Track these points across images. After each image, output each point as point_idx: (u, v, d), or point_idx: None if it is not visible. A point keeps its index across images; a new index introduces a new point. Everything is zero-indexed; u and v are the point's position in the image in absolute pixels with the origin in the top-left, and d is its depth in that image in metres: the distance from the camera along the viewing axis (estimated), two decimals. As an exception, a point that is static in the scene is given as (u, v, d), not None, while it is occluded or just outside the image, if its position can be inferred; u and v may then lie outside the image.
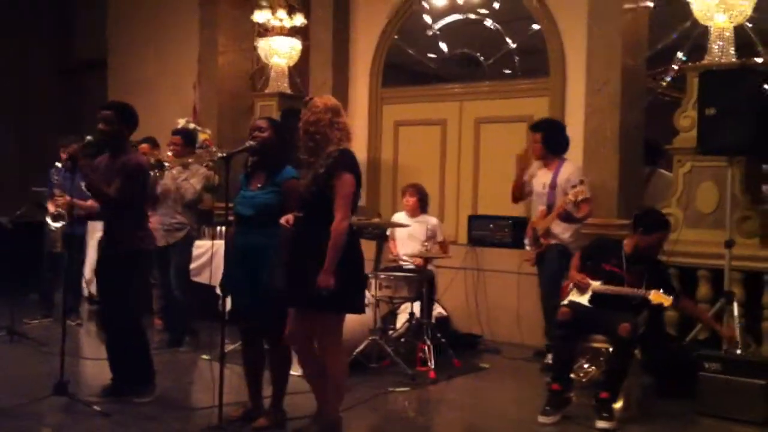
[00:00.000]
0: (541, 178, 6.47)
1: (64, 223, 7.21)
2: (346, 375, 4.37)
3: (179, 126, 8.18)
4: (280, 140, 4.51)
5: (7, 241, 8.05)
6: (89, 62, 11.60)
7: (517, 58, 8.03)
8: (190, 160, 6.71)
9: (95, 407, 4.79)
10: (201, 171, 6.80)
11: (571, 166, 6.40)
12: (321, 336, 4.24)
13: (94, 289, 8.27)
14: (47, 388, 4.95)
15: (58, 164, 7.47)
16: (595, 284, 5.25)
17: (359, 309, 4.36)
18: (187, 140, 6.93)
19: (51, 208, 7.35)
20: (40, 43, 11.67)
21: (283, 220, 4.28)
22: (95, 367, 6.02)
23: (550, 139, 6.43)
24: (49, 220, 7.30)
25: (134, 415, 4.85)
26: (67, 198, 7.27)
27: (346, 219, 4.10)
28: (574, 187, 6.04)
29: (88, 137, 5.17)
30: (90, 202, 7.50)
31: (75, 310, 7.83)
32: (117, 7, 11.03)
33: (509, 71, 8.12)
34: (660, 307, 5.20)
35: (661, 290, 5.01)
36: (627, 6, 6.95)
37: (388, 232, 6.94)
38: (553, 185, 6.33)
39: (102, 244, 5.26)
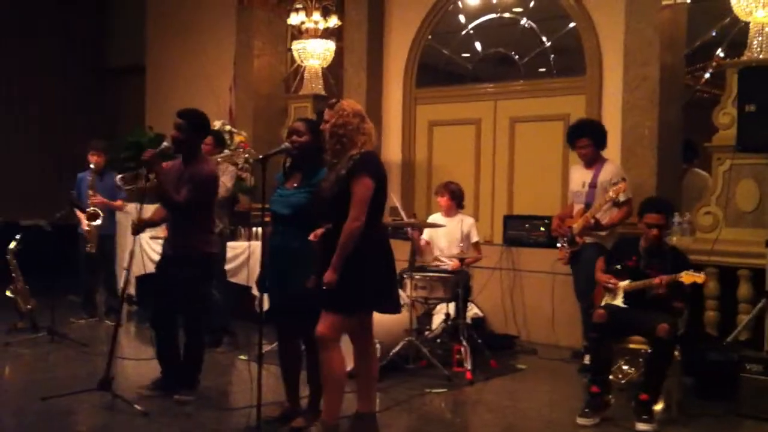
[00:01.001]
0: (581, 177, 6.40)
1: (99, 222, 7.47)
2: (338, 377, 4.26)
3: (216, 128, 8.26)
4: (317, 142, 4.53)
5: (45, 243, 8.23)
6: (125, 66, 11.78)
7: (552, 56, 7.98)
8: (219, 159, 6.77)
9: (136, 406, 4.85)
10: (230, 169, 6.87)
11: (612, 166, 6.35)
12: (320, 330, 4.19)
13: (132, 289, 8.43)
14: (90, 387, 5.01)
15: (91, 166, 7.72)
16: (623, 283, 5.21)
17: (364, 309, 4.33)
18: (217, 141, 7.01)
19: (82, 217, 7.66)
20: (77, 47, 11.88)
21: (312, 236, 4.29)
22: (135, 367, 6.10)
23: (599, 140, 6.36)
24: (84, 219, 7.60)
25: (174, 414, 4.91)
26: (100, 198, 7.58)
27: (358, 220, 4.11)
28: (615, 184, 5.98)
29: (165, 143, 5.30)
30: (119, 202, 7.79)
31: (116, 310, 7.94)
32: (155, 12, 11.18)
33: (544, 70, 8.07)
34: (694, 287, 5.10)
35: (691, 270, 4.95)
36: (665, 2, 6.89)
37: (424, 235, 6.92)
38: (593, 184, 6.28)
39: (167, 246, 5.33)
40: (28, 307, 7.23)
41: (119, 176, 6.35)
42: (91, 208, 7.60)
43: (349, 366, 4.56)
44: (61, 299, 7.55)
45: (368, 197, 4.15)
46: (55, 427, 4.69)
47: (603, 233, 6.20)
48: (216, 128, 8.27)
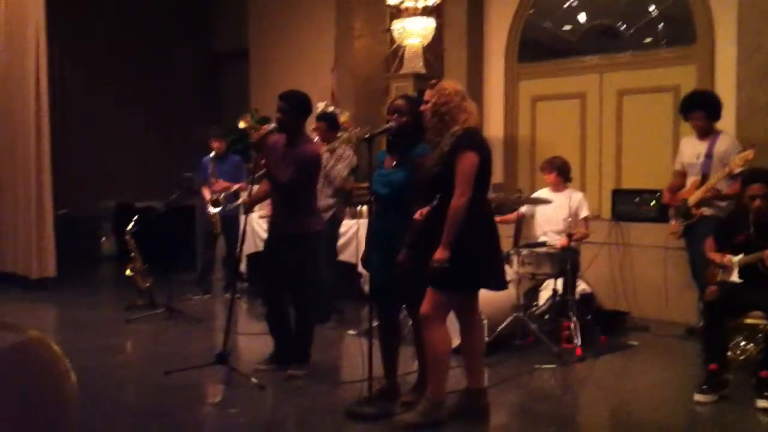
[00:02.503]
0: (695, 148, 6.22)
1: (220, 209, 7.78)
2: (443, 355, 4.27)
3: (318, 110, 8.37)
4: (416, 121, 4.54)
5: (159, 224, 8.57)
6: (229, 52, 12.06)
7: (660, 25, 7.73)
8: (336, 144, 6.85)
9: (253, 379, 5.01)
10: (346, 154, 6.91)
11: (728, 137, 6.16)
12: (424, 308, 4.21)
13: (243, 267, 8.68)
14: (206, 361, 5.20)
15: (212, 153, 8.02)
16: (736, 258, 5.03)
17: (473, 287, 4.35)
18: (330, 125, 7.06)
19: (207, 194, 7.94)
20: (181, 35, 12.23)
21: (417, 215, 4.29)
22: (249, 341, 6.29)
23: (713, 112, 6.19)
24: (210, 206, 7.98)
25: (287, 388, 5.04)
26: (224, 184, 7.90)
27: (464, 196, 4.09)
28: (740, 152, 5.79)
29: (272, 125, 5.43)
30: (242, 184, 8.05)
31: (232, 286, 8.22)
32: (256, -2, 11.40)
33: (651, 40, 7.83)
34: None
35: None
36: (781, -34, 6.56)
37: (524, 209, 6.83)
38: (708, 154, 6.11)
39: (272, 225, 5.47)
40: (147, 285, 7.53)
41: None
42: (214, 195, 7.95)
43: (456, 342, 4.57)
44: (177, 277, 7.82)
45: (473, 173, 4.13)
46: (177, 399, 4.89)
47: (723, 204, 6.01)
48: (321, 110, 8.38)
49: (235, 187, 8.12)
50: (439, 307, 4.22)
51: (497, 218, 6.62)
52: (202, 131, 8.39)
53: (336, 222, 6.94)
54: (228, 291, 8.07)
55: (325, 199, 6.77)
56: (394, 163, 4.56)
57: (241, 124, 7.23)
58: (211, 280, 8.47)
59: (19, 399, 1.33)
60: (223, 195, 7.96)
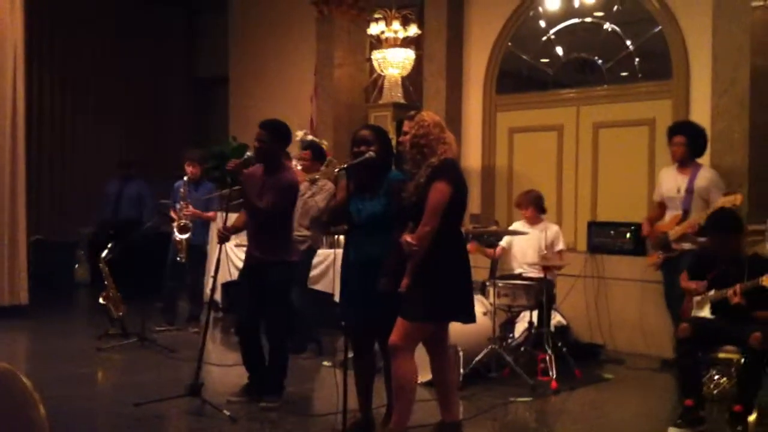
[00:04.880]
0: (675, 181, 6.28)
1: (189, 234, 7.57)
2: (409, 386, 4.24)
3: (297, 138, 8.35)
4: (385, 149, 4.55)
5: (136, 250, 8.47)
6: (212, 78, 12.07)
7: (636, 60, 7.83)
8: (317, 176, 6.82)
9: (225, 411, 4.94)
10: (327, 187, 6.84)
11: (709, 172, 6.24)
12: (393, 338, 4.19)
13: (218, 296, 8.58)
14: (178, 392, 5.13)
15: (185, 177, 7.81)
16: (709, 294, 5.09)
17: (440, 318, 4.32)
18: (316, 155, 7.00)
19: (175, 219, 7.72)
20: (166, 61, 12.22)
21: (406, 237, 4.26)
22: (222, 372, 6.21)
23: (694, 143, 6.27)
24: (176, 231, 7.66)
25: (260, 420, 4.97)
26: (192, 210, 7.64)
27: (427, 225, 4.10)
28: (726, 194, 5.86)
29: (248, 153, 5.42)
30: (212, 214, 7.89)
31: (197, 318, 8.09)
32: (238, 25, 11.44)
33: (628, 74, 7.93)
34: None
35: None
36: (755, 3, 6.67)
37: (503, 243, 6.86)
38: (689, 189, 6.17)
39: (249, 254, 5.43)
40: (120, 314, 7.42)
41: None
42: (182, 221, 7.63)
43: (428, 377, 4.54)
44: (151, 306, 7.73)
45: (442, 203, 4.14)
46: (148, 431, 4.81)
47: (702, 239, 6.05)
48: (300, 138, 8.37)
49: (207, 215, 7.93)
50: (407, 338, 4.20)
51: (480, 248, 6.66)
52: (184, 154, 8.17)
53: (310, 253, 6.90)
54: (191, 322, 7.98)
55: (298, 230, 6.73)
56: (368, 193, 4.53)
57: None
58: (177, 311, 8.20)
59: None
60: (190, 222, 7.67)
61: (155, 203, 9.04)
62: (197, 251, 7.94)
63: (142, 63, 11.86)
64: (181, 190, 7.76)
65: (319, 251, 7.29)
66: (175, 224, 7.70)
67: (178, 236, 7.66)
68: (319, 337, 6.96)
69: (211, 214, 7.95)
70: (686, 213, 6.14)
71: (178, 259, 7.70)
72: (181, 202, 7.71)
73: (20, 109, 8.46)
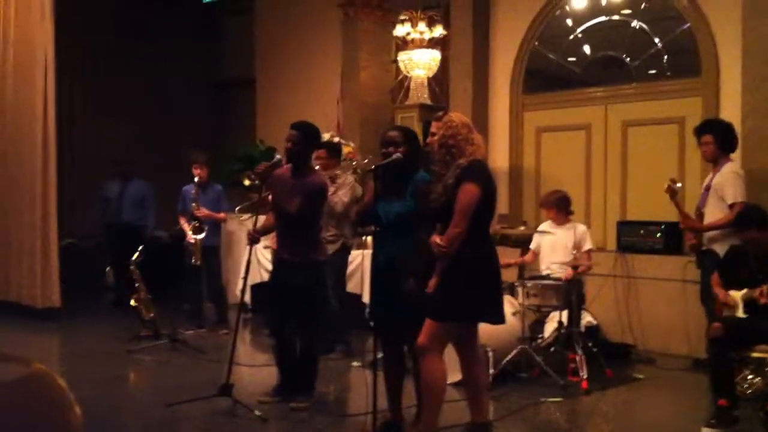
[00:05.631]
0: (706, 180, 6.24)
1: (203, 235, 7.61)
2: (437, 386, 4.25)
3: (324, 140, 8.36)
4: (413, 150, 4.55)
5: (165, 253, 8.54)
6: (236, 80, 12.10)
7: (665, 57, 7.76)
8: (337, 173, 6.83)
9: (256, 412, 4.97)
10: (348, 181, 6.86)
11: (728, 168, 6.13)
12: (421, 339, 4.19)
13: (248, 298, 8.63)
14: (209, 393, 5.17)
15: (195, 180, 7.85)
16: (738, 294, 5.03)
17: (468, 319, 4.31)
18: (331, 152, 7.02)
19: (185, 224, 7.78)
20: (189, 62, 12.22)
21: (435, 239, 4.26)
22: (252, 373, 6.25)
23: (723, 140, 6.17)
24: (190, 232, 7.70)
25: (290, 420, 5.01)
26: (204, 211, 7.70)
27: (457, 227, 4.10)
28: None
29: (277, 156, 5.44)
30: (222, 215, 7.94)
31: (224, 320, 8.13)
32: (264, 28, 11.48)
33: (656, 72, 7.86)
34: None
35: None
36: (786, -3, 6.59)
37: (532, 245, 6.85)
38: (707, 187, 6.09)
39: (278, 256, 5.46)
40: (151, 315, 7.49)
41: (237, 208, 6.40)
42: (196, 222, 7.65)
43: (457, 377, 4.53)
44: (180, 308, 7.79)
45: (471, 204, 4.13)
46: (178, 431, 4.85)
47: (715, 242, 5.98)
48: (326, 140, 8.37)
49: (219, 216, 7.98)
50: (436, 339, 4.20)
51: (516, 260, 6.64)
52: (191, 157, 8.14)
53: (345, 251, 6.85)
54: (219, 325, 8.03)
55: (328, 229, 6.72)
56: (395, 194, 4.54)
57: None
58: (203, 314, 8.21)
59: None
60: (205, 225, 7.68)
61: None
62: (210, 253, 7.95)
63: (163, 65, 11.87)
64: (192, 192, 7.80)
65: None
66: (189, 227, 7.73)
67: (192, 237, 7.68)
68: (349, 338, 6.97)
69: (221, 215, 8.01)
70: (699, 210, 6.09)
71: (193, 261, 7.72)
72: (193, 204, 7.74)
73: (50, 115, 8.57)
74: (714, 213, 6.04)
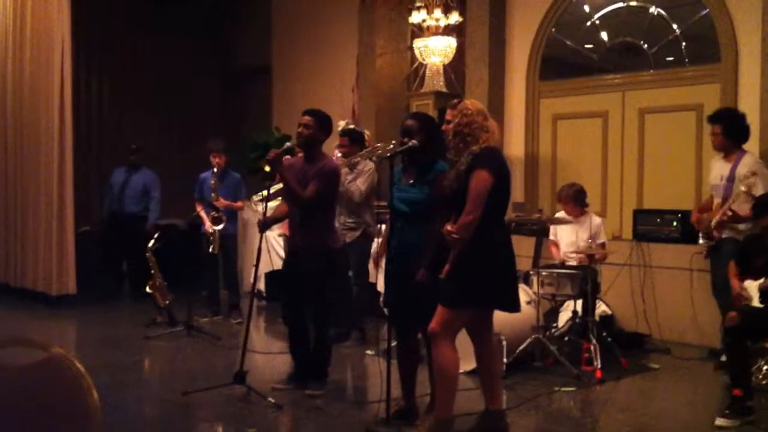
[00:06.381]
0: (719, 170, 6.16)
1: (222, 225, 7.62)
2: (450, 373, 4.23)
3: (339, 128, 8.36)
4: (430, 137, 4.52)
5: (181, 241, 8.59)
6: (252, 68, 12.08)
7: (683, 44, 7.67)
8: (356, 160, 6.81)
9: (270, 399, 4.99)
10: (367, 168, 6.80)
11: (750, 158, 6.07)
12: (433, 325, 4.19)
13: (261, 285, 8.67)
14: (225, 380, 5.20)
15: (214, 169, 7.84)
16: (755, 283, 4.99)
17: (480, 305, 4.28)
18: (353, 140, 7.01)
19: (203, 213, 7.78)
20: (205, 51, 12.21)
21: (447, 227, 4.25)
22: (267, 360, 6.28)
23: (731, 130, 6.12)
24: (210, 223, 7.70)
25: (305, 407, 5.02)
26: (223, 201, 7.71)
27: (471, 214, 4.08)
28: (746, 177, 5.74)
29: (288, 143, 5.44)
30: (239, 203, 7.94)
31: (237, 307, 8.15)
32: (280, 15, 11.46)
33: (674, 58, 7.77)
34: None
35: None
36: (807, -17, 6.50)
37: (551, 236, 6.83)
38: (731, 177, 6.03)
39: (291, 243, 5.46)
40: (166, 302, 7.53)
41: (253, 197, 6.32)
42: (215, 213, 7.63)
43: (472, 365, 4.53)
44: (197, 294, 7.82)
45: (484, 192, 4.11)
46: (195, 418, 4.90)
47: (741, 227, 5.93)
48: (342, 128, 8.36)
49: (238, 204, 8.00)
50: (447, 325, 4.19)
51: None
52: (208, 145, 8.12)
53: (366, 238, 6.80)
54: (232, 312, 8.05)
55: (349, 215, 6.72)
56: (411, 180, 4.54)
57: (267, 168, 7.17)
58: (219, 301, 8.22)
59: (45, 414, 1.34)
60: (224, 215, 7.69)
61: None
62: (229, 240, 7.96)
63: (180, 52, 11.84)
64: (212, 182, 7.79)
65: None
66: (207, 216, 7.72)
67: (211, 228, 7.68)
68: (363, 326, 6.98)
69: (238, 204, 8.01)
70: (725, 201, 6.02)
71: (210, 250, 7.73)
72: (213, 195, 7.73)
73: (67, 104, 8.61)
74: (743, 208, 5.96)
